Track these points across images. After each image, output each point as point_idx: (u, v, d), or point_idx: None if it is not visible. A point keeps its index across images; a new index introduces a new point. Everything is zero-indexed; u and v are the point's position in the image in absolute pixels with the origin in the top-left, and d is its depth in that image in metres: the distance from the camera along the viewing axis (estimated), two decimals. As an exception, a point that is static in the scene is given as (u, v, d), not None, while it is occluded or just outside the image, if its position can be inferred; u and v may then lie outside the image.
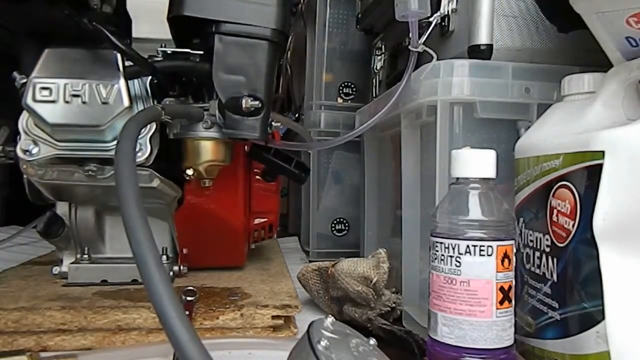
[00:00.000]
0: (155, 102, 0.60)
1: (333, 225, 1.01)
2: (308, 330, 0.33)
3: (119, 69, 0.56)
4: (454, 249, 0.43)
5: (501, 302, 0.42)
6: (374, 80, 0.88)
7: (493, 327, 0.42)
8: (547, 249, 0.44)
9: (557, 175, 0.43)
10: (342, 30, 1.04)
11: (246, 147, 0.70)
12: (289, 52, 1.28)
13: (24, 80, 0.55)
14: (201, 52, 0.59)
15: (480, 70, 0.54)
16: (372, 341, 0.37)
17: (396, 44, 0.79)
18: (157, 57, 0.60)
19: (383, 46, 0.85)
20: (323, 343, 0.32)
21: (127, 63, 0.57)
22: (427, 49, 0.58)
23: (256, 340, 0.52)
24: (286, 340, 0.52)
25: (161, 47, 0.60)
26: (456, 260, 0.43)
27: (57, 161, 0.57)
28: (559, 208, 0.42)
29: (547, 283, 0.44)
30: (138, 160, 0.56)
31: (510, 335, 0.43)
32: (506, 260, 0.43)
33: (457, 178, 0.45)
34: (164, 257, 0.66)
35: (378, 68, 0.86)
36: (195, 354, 0.26)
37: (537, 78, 0.54)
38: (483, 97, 0.53)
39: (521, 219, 0.49)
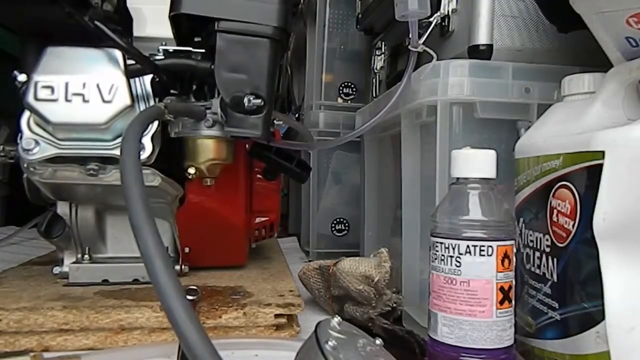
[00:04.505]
0: (157, 101, 0.60)
1: (333, 225, 1.01)
2: (315, 331, 0.34)
3: (120, 68, 0.56)
4: (454, 249, 0.43)
5: (501, 302, 0.42)
6: (374, 80, 0.88)
7: (493, 327, 0.42)
8: (547, 249, 0.44)
9: (557, 176, 0.43)
10: (342, 30, 1.04)
11: (247, 145, 0.71)
12: (289, 52, 1.28)
13: (25, 79, 0.55)
14: (203, 51, 0.60)
15: (480, 70, 0.54)
16: (378, 341, 0.37)
17: (396, 44, 0.80)
18: (159, 55, 0.60)
19: (383, 46, 0.86)
20: (331, 343, 0.32)
21: (129, 61, 0.57)
22: (427, 49, 0.58)
23: (261, 340, 0.52)
24: (292, 341, 0.52)
25: (162, 45, 0.60)
26: (456, 260, 0.43)
27: (58, 160, 0.57)
28: (559, 208, 0.43)
29: (547, 283, 0.44)
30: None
31: (510, 335, 0.43)
32: (506, 260, 0.43)
33: (457, 178, 0.45)
34: (165, 256, 0.66)
35: (378, 68, 0.86)
36: (205, 353, 0.26)
37: (537, 78, 0.54)
38: (483, 97, 0.53)
39: (521, 219, 0.49)
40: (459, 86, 0.53)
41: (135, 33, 0.66)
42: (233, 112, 0.56)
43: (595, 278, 0.38)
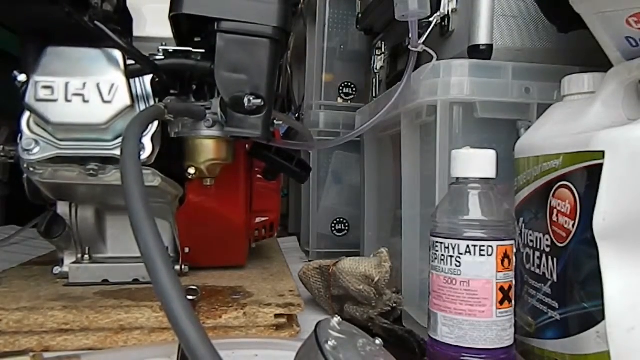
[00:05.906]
0: (157, 101, 0.60)
1: (333, 225, 1.01)
2: (315, 331, 0.34)
3: (120, 68, 0.56)
4: (454, 249, 0.43)
5: (501, 302, 0.42)
6: (374, 80, 0.88)
7: (493, 327, 0.42)
8: (547, 249, 0.44)
9: (557, 175, 0.43)
10: (342, 30, 1.04)
11: (247, 145, 0.71)
12: (289, 52, 1.28)
13: (25, 79, 0.55)
14: (203, 51, 0.60)
15: (480, 70, 0.54)
16: (378, 341, 0.37)
17: (396, 44, 0.80)
18: (159, 55, 0.60)
19: (383, 46, 0.86)
20: (331, 343, 0.32)
21: (129, 61, 0.57)
22: (427, 49, 0.58)
23: (261, 340, 0.52)
24: (292, 341, 0.52)
25: (162, 45, 0.60)
26: (456, 260, 0.43)
27: (58, 160, 0.57)
28: (559, 208, 0.43)
29: (547, 283, 0.44)
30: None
31: (510, 335, 0.43)
32: (506, 260, 0.43)
33: (457, 178, 0.45)
34: (165, 256, 0.66)
35: (378, 68, 0.86)
36: (205, 353, 0.26)
37: (537, 78, 0.54)
38: (483, 97, 0.53)
39: (521, 219, 0.49)
40: (459, 86, 0.53)
41: (135, 33, 0.65)
42: (233, 112, 0.56)
43: (595, 278, 0.38)
